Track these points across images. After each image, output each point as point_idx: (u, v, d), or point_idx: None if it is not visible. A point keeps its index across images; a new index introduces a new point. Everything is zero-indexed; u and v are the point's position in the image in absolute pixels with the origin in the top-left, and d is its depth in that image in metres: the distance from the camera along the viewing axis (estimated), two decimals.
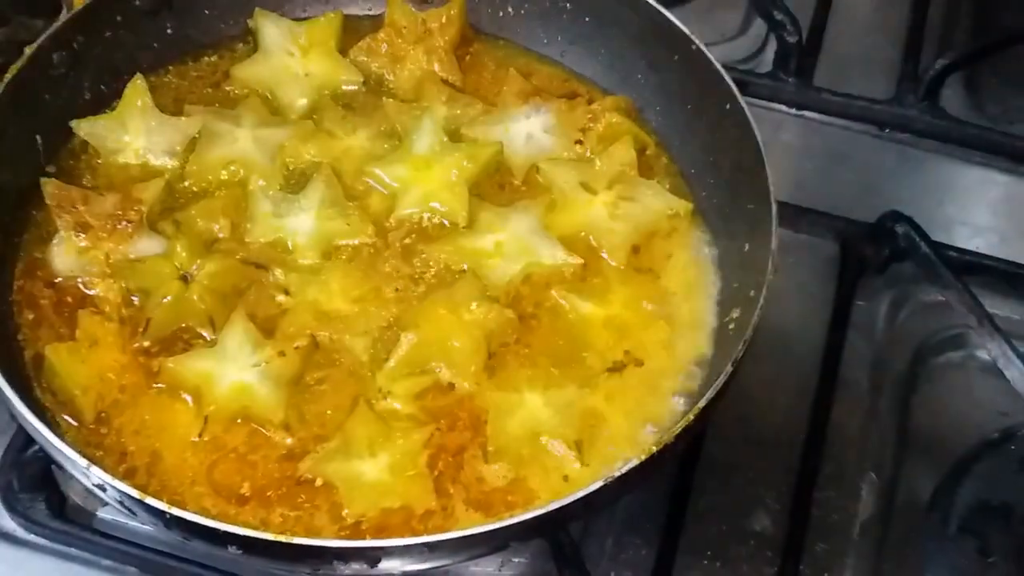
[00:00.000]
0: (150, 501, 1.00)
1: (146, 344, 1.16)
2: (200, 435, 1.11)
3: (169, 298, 1.17)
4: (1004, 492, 1.20)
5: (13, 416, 1.07)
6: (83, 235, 1.20)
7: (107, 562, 1.18)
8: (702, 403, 1.05)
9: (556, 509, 1.01)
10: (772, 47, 1.55)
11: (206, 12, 1.35)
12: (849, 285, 1.36)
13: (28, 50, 1.21)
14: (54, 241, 1.20)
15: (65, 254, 1.20)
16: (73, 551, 1.19)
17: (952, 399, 1.33)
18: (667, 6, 1.29)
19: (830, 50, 1.56)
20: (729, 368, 1.06)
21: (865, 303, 1.37)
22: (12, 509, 1.19)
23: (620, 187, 1.27)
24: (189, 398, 1.13)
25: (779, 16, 1.51)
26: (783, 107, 1.51)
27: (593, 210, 1.26)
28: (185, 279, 1.18)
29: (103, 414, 1.13)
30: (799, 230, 1.37)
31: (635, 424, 1.14)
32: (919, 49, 1.55)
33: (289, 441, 1.12)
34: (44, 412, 1.11)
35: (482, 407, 1.14)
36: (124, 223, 1.21)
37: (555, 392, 1.15)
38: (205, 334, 1.17)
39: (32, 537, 1.20)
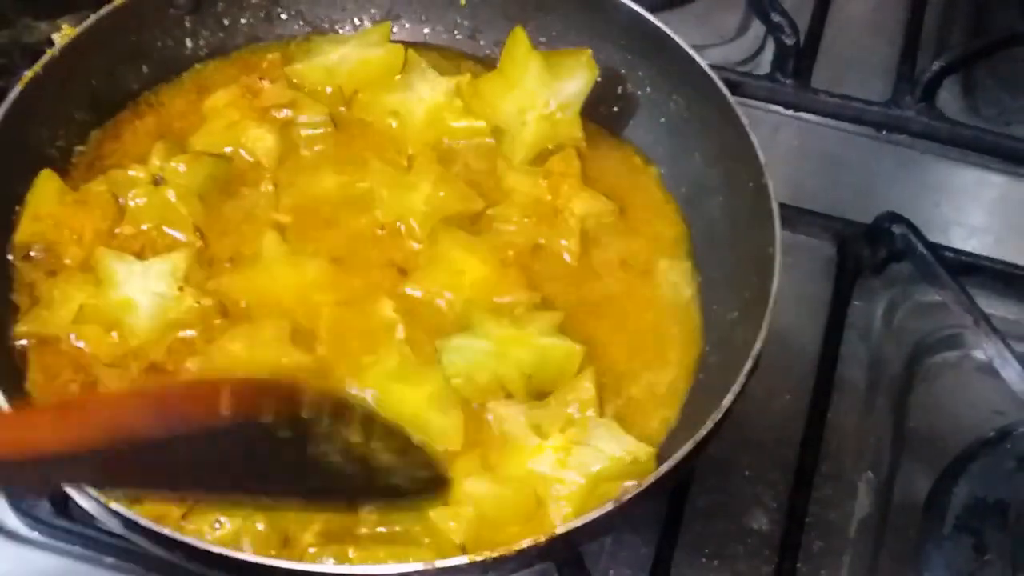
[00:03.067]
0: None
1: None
2: None
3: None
4: (1000, 490, 1.20)
5: None
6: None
7: (110, 560, 1.19)
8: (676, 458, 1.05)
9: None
10: (770, 49, 1.55)
11: None
12: (846, 286, 1.37)
13: None
14: None
15: None
16: (77, 549, 1.19)
17: (949, 398, 1.34)
18: (664, 8, 1.29)
19: (828, 52, 1.56)
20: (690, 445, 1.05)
21: (862, 304, 1.37)
22: (16, 507, 1.20)
23: (574, 431, 1.12)
24: None
25: (777, 18, 1.52)
26: (780, 108, 1.51)
27: (542, 457, 1.12)
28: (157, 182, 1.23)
29: (33, 252, 1.20)
30: (796, 231, 1.37)
31: None
32: (916, 51, 1.56)
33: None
34: None
35: None
36: None
37: None
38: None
39: (36, 535, 1.20)
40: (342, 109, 1.32)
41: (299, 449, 0.87)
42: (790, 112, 1.52)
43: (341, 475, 0.89)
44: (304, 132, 1.30)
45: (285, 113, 1.30)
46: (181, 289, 1.18)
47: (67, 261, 1.20)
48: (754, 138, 1.20)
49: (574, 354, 1.16)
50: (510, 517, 1.09)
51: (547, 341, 1.17)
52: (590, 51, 1.28)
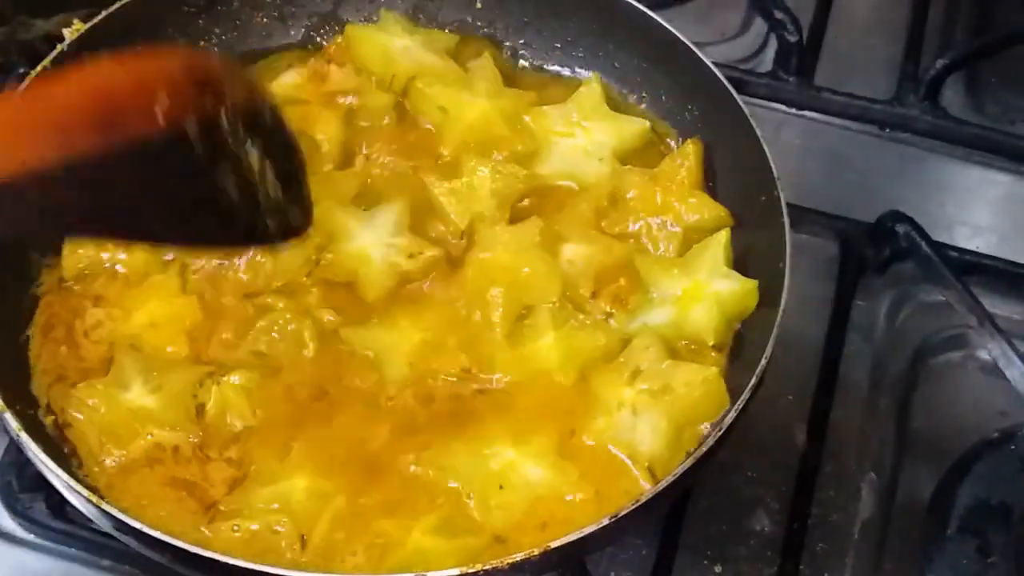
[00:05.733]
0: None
1: None
2: None
3: None
4: (1004, 492, 1.20)
5: None
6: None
7: (106, 562, 1.18)
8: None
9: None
10: (772, 47, 1.54)
11: None
12: (849, 285, 1.37)
13: None
14: None
15: None
16: (73, 551, 1.19)
17: (952, 399, 1.33)
18: (665, 6, 1.28)
19: (831, 49, 1.56)
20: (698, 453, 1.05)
21: (865, 303, 1.37)
22: (12, 509, 1.20)
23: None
24: None
25: (779, 15, 1.51)
26: (783, 107, 1.51)
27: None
28: None
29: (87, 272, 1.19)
30: (799, 230, 1.35)
31: None
32: (920, 49, 1.55)
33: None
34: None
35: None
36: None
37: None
38: None
39: (32, 537, 1.20)
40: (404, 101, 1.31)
41: (203, 179, 0.90)
42: (793, 110, 1.51)
43: (230, 210, 0.93)
44: (364, 123, 1.29)
45: (350, 100, 1.29)
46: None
47: (121, 269, 1.19)
48: (768, 150, 1.19)
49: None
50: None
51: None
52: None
